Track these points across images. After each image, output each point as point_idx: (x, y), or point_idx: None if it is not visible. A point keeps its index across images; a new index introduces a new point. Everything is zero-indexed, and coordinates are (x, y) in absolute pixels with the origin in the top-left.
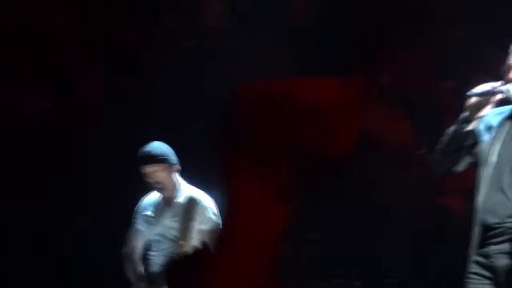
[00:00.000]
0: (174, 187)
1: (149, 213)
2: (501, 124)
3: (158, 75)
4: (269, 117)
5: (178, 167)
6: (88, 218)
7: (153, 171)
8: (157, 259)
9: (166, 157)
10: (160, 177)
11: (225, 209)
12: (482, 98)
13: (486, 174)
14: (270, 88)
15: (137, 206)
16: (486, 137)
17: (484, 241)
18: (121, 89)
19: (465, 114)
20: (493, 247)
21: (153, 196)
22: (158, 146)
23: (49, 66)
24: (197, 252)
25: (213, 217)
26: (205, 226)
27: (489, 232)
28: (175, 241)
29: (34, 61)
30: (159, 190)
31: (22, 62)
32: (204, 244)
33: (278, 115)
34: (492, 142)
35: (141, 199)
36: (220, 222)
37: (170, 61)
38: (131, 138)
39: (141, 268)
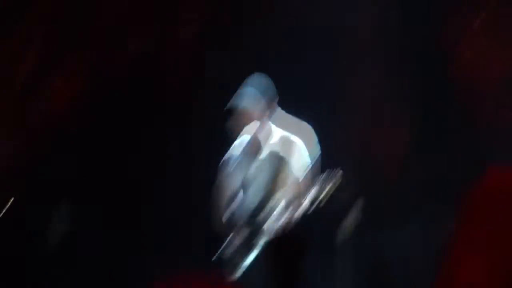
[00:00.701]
0: (267, 125)
1: (242, 155)
2: None
3: None
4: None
5: (272, 106)
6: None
7: (242, 117)
8: (250, 201)
9: (254, 101)
10: (251, 119)
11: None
12: None
13: None
14: None
15: (229, 148)
16: None
17: None
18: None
19: None
20: None
21: (245, 138)
22: (252, 85)
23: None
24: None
25: (307, 156)
26: (299, 165)
27: None
28: (272, 181)
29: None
30: (250, 130)
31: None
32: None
33: None
34: None
35: (233, 141)
36: (315, 159)
37: None
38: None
39: (232, 211)
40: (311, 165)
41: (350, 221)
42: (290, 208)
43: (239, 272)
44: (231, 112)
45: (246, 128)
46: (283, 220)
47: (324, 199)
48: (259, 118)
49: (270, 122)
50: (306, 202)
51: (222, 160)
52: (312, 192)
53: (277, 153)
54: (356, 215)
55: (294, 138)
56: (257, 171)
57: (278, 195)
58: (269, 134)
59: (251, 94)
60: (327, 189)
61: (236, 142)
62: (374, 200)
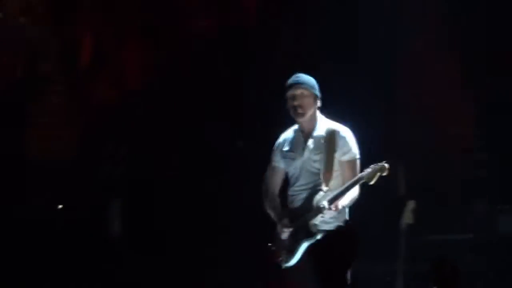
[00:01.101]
0: (314, 119)
1: (288, 148)
2: None
3: None
4: None
5: (319, 102)
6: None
7: (301, 94)
8: (300, 194)
9: (314, 87)
10: (305, 102)
11: None
12: None
13: None
14: None
15: (275, 143)
16: None
17: None
18: None
19: None
20: None
21: (291, 132)
22: (308, 76)
23: None
24: None
25: (354, 148)
26: (347, 157)
27: None
28: (317, 174)
29: None
30: (300, 116)
31: None
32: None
33: None
34: None
35: (279, 136)
36: (357, 155)
37: None
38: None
39: (279, 205)
40: (355, 158)
41: (402, 220)
42: (337, 202)
43: (290, 262)
44: (291, 87)
45: (298, 109)
46: (330, 215)
47: (369, 184)
48: (311, 105)
49: (318, 114)
50: (352, 195)
51: (272, 149)
52: (358, 181)
53: (325, 143)
54: (408, 216)
55: (340, 130)
56: (306, 162)
57: (324, 187)
58: (316, 124)
59: (310, 79)
60: (373, 178)
61: (283, 135)
62: (423, 201)
